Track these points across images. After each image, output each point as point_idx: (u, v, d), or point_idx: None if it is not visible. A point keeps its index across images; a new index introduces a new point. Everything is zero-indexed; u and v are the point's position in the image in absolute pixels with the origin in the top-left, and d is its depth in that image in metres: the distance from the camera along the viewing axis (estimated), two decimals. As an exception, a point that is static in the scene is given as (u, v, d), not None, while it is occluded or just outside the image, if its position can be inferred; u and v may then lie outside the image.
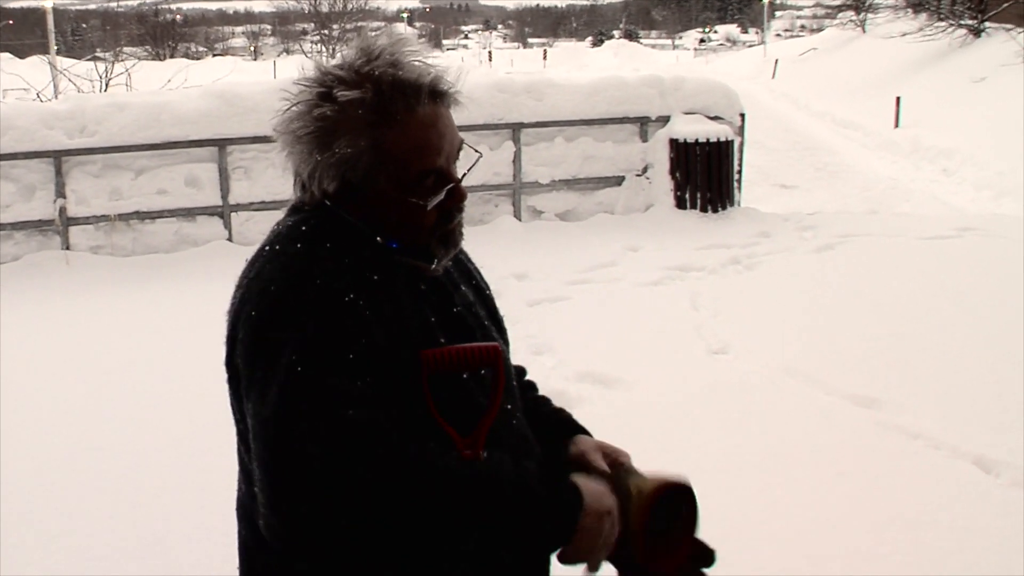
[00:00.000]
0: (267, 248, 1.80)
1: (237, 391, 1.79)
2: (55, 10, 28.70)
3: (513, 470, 1.74)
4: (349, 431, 1.61)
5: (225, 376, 1.84)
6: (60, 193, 10.14)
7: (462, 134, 1.90)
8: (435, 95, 1.81)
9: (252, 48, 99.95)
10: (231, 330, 1.79)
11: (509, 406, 1.94)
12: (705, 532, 4.76)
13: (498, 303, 2.16)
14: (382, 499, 1.60)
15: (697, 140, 11.53)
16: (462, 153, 1.90)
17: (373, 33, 1.87)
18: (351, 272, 1.73)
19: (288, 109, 1.81)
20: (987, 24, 30.46)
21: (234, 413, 1.84)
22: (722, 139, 11.60)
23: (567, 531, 1.75)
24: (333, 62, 1.82)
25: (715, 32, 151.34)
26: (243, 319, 1.74)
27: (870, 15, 49.85)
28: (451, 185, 1.85)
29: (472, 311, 1.95)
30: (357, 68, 1.78)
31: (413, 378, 1.73)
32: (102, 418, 6.10)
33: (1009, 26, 27.70)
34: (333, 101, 1.75)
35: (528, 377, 2.22)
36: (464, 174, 1.89)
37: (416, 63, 1.81)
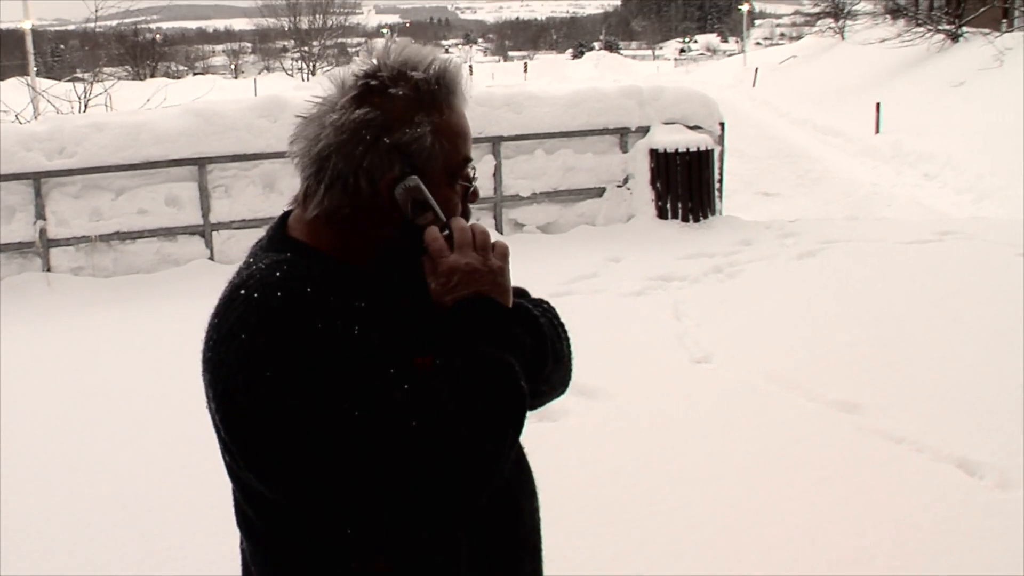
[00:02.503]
0: (242, 292, 1.72)
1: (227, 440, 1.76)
2: (34, 31, 28.63)
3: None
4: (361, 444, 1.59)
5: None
6: (40, 215, 10.11)
7: None
8: (464, 92, 1.87)
9: (232, 66, 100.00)
10: (213, 382, 1.72)
11: None
12: (691, 539, 4.77)
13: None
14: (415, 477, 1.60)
15: (677, 150, 11.55)
16: None
17: (391, 37, 1.93)
18: (335, 309, 1.68)
19: (335, 104, 1.79)
20: (964, 29, 30.68)
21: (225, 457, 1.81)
22: (702, 148, 11.62)
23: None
24: (379, 57, 1.83)
25: (695, 42, 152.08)
26: (226, 375, 1.68)
27: (849, 22, 50.16)
28: (473, 184, 1.91)
29: None
30: (408, 57, 1.82)
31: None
32: (87, 438, 6.07)
33: (986, 30, 27.90)
34: (406, 80, 1.78)
35: None
36: (475, 176, 1.93)
37: (451, 61, 1.86)
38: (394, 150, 1.77)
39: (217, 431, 1.75)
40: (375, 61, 1.81)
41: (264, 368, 1.61)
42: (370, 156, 1.76)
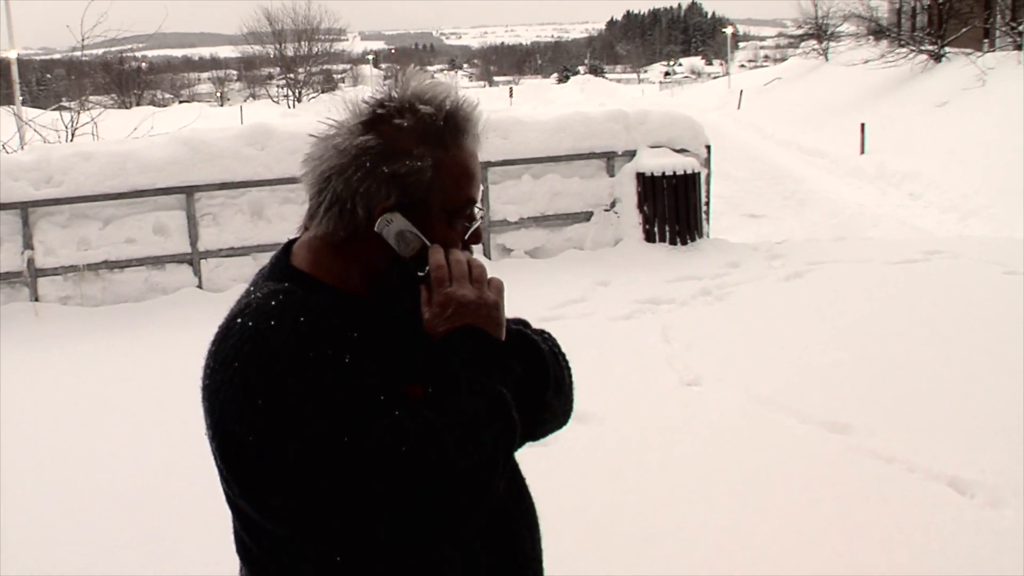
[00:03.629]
0: (238, 321, 1.75)
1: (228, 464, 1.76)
2: (20, 60, 28.64)
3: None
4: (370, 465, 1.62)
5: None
6: (28, 244, 10.09)
7: None
8: (477, 134, 1.88)
9: (218, 94, 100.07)
10: (210, 410, 1.74)
11: None
12: (682, 561, 4.77)
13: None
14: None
15: (664, 173, 11.58)
16: None
17: (413, 71, 1.91)
18: (328, 338, 1.71)
19: (348, 126, 1.82)
20: (947, 49, 30.88)
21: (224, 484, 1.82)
22: (688, 171, 11.65)
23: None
24: (393, 88, 1.86)
25: (679, 65, 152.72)
26: (221, 403, 1.70)
27: (832, 43, 50.48)
28: (477, 224, 1.92)
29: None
30: (421, 92, 1.83)
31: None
32: (76, 467, 6.05)
33: (968, 50, 28.09)
34: (412, 112, 1.79)
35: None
36: (480, 217, 1.94)
37: (467, 100, 1.88)
38: (392, 180, 1.78)
39: (215, 459, 1.77)
40: (389, 90, 1.84)
41: (256, 396, 1.63)
42: (367, 183, 1.78)
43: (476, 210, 1.90)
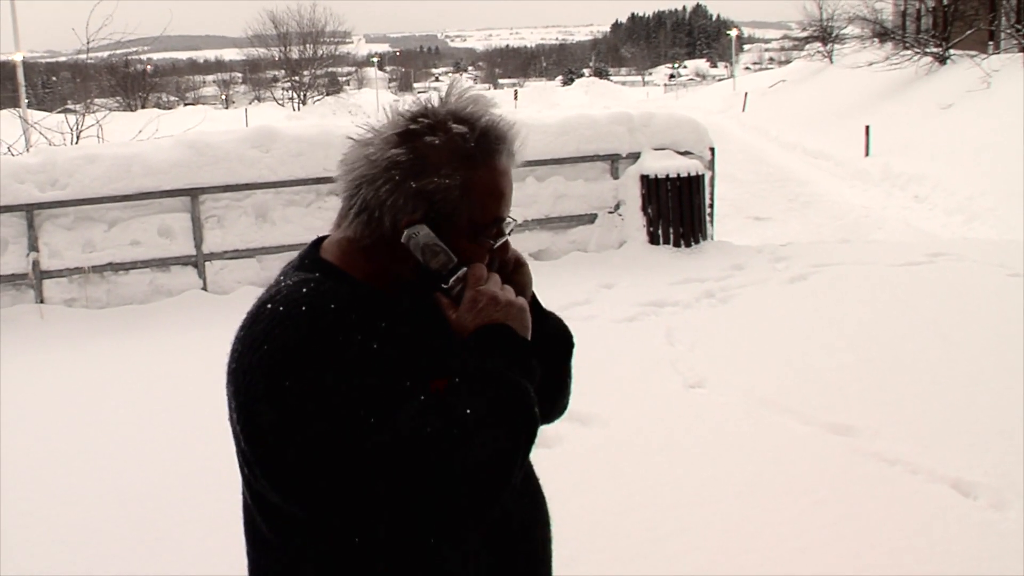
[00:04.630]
0: (268, 306, 1.78)
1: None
2: (25, 63, 28.68)
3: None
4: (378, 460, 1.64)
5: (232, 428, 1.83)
6: (33, 247, 10.11)
7: None
8: (511, 152, 1.91)
9: (223, 96, 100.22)
10: (235, 392, 1.76)
11: None
12: (687, 564, 4.77)
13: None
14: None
15: (668, 175, 11.59)
16: None
17: (456, 82, 1.94)
18: (357, 325, 1.74)
19: (383, 136, 1.84)
20: (952, 51, 30.85)
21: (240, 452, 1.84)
22: (692, 174, 11.66)
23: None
24: (432, 100, 1.88)
25: (684, 67, 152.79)
26: (248, 384, 1.72)
27: (837, 46, 50.49)
28: (504, 239, 1.94)
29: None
30: (458, 108, 1.85)
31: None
32: (79, 468, 6.06)
33: (973, 53, 28.06)
34: (444, 131, 1.81)
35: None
36: (510, 232, 1.96)
37: (503, 120, 1.90)
38: (419, 195, 1.81)
39: (237, 442, 1.80)
40: (427, 103, 1.86)
41: (284, 378, 1.66)
42: (395, 196, 1.81)
43: (505, 225, 1.92)
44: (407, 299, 1.88)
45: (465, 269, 1.86)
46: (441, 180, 1.80)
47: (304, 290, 1.77)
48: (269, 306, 1.77)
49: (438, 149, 1.80)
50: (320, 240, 1.98)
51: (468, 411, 1.68)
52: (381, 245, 1.85)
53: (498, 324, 1.82)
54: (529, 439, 1.75)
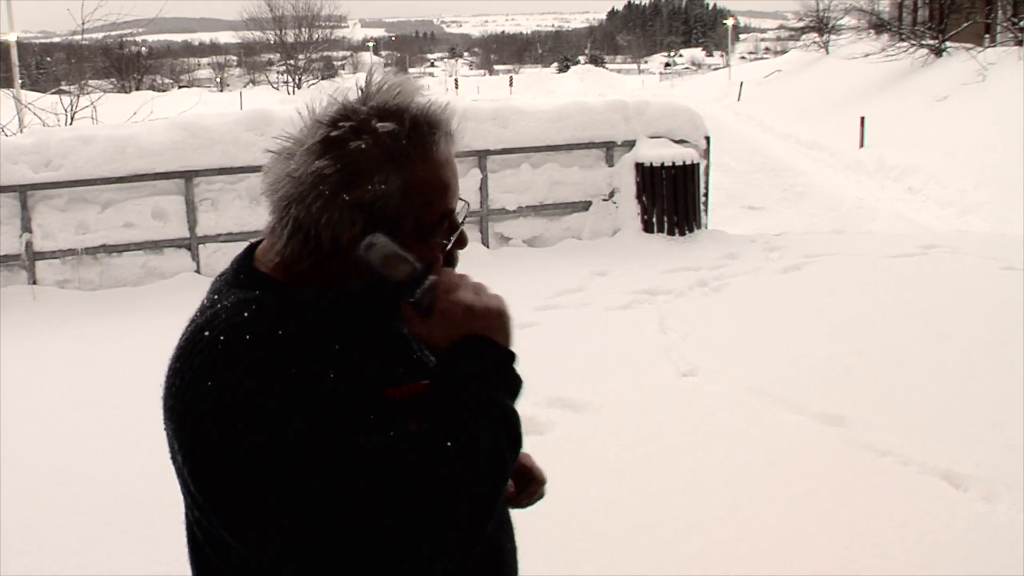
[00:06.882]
0: (206, 334, 1.59)
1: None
2: (19, 43, 28.58)
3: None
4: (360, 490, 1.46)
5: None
6: (26, 227, 10.10)
7: None
8: (449, 136, 1.71)
9: (218, 79, 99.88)
10: (179, 433, 1.60)
11: None
12: (677, 552, 4.78)
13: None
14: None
15: (663, 164, 11.59)
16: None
17: (376, 69, 1.74)
18: (309, 352, 1.56)
19: (301, 147, 1.64)
20: (948, 44, 30.84)
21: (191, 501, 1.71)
22: (687, 162, 11.66)
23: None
24: (350, 97, 1.69)
25: (680, 56, 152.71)
26: (193, 426, 1.55)
27: (833, 36, 50.45)
28: (459, 229, 1.76)
29: (425, 353, 1.82)
30: (382, 103, 1.66)
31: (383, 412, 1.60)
32: (77, 450, 6.06)
33: (969, 45, 28.08)
34: (370, 133, 1.62)
35: None
36: (464, 219, 1.78)
37: (433, 104, 1.71)
38: (355, 207, 1.62)
39: (184, 484, 1.66)
40: (344, 104, 1.67)
41: (236, 419, 1.48)
42: (329, 212, 1.62)
43: (456, 215, 1.74)
44: (358, 310, 1.70)
45: (433, 278, 1.67)
46: (376, 187, 1.61)
47: (245, 314, 1.58)
48: (207, 334, 1.58)
49: (367, 154, 1.61)
50: (254, 246, 1.79)
51: (448, 442, 1.51)
52: (325, 264, 1.66)
53: (475, 336, 1.64)
54: (513, 461, 1.61)
